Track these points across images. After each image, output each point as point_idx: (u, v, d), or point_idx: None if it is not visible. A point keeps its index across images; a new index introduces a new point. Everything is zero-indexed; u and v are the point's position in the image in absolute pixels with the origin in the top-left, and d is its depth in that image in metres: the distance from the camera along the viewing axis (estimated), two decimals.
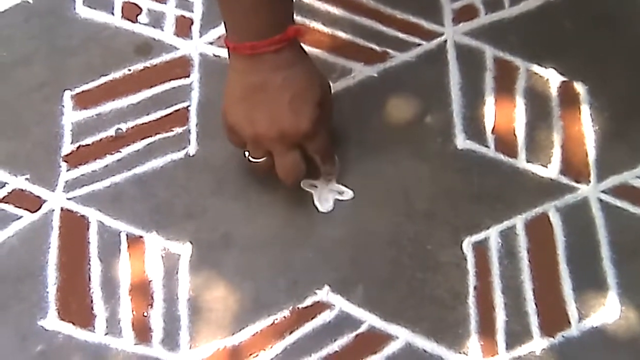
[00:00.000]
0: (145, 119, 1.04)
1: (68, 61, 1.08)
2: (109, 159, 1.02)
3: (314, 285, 0.94)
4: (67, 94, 1.06)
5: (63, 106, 1.05)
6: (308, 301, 0.94)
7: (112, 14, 1.11)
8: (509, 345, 0.91)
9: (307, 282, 0.94)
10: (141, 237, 0.97)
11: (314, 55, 1.06)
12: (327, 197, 0.98)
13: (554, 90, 1.04)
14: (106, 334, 0.92)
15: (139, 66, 1.08)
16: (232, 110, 0.91)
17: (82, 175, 1.01)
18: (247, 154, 0.94)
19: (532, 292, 0.93)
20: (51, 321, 0.93)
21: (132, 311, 0.93)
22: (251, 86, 0.89)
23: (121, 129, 1.03)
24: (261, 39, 0.87)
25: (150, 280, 0.95)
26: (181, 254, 0.96)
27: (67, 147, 1.02)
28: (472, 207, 0.98)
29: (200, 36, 1.10)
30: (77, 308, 0.94)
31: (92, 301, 0.94)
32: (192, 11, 1.12)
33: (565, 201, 0.97)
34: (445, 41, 1.08)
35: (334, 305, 0.93)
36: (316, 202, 0.98)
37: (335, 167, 0.99)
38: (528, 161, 1.00)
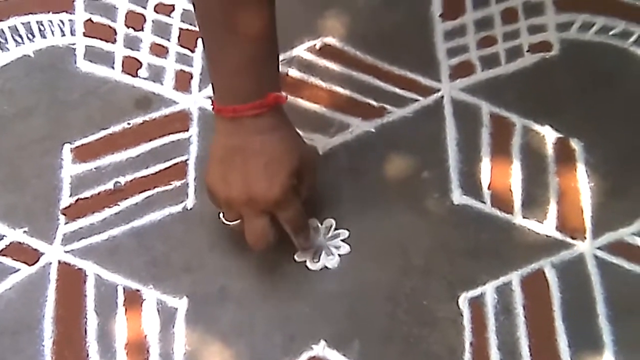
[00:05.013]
0: (144, 172, 1.05)
1: (68, 115, 1.09)
2: (107, 212, 1.02)
3: (310, 340, 0.94)
4: (67, 147, 1.06)
5: (62, 159, 1.06)
6: (304, 356, 0.93)
7: (113, 68, 1.12)
8: None
9: (303, 337, 0.94)
10: (138, 290, 0.97)
11: (312, 110, 1.08)
12: (324, 252, 0.99)
13: (549, 147, 1.04)
14: None
15: (139, 120, 1.08)
16: (211, 172, 0.92)
17: (80, 228, 1.01)
18: (221, 215, 0.95)
19: (528, 348, 0.93)
20: None
21: None
22: (231, 149, 0.90)
23: (120, 183, 1.04)
24: (242, 103, 0.88)
25: (146, 335, 0.95)
26: (178, 308, 0.96)
27: (66, 200, 1.03)
28: (468, 263, 0.98)
29: (200, 90, 1.11)
30: None
31: (88, 355, 0.94)
32: (192, 66, 1.13)
33: (561, 257, 0.98)
34: (442, 97, 1.09)
35: None
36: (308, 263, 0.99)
37: (310, 241, 0.99)
38: (524, 217, 1.00)
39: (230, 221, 0.94)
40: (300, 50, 1.13)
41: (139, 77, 1.12)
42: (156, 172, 1.05)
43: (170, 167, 1.05)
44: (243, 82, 0.89)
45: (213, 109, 0.91)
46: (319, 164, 1.01)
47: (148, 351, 0.94)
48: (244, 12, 0.85)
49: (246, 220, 0.92)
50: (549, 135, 1.05)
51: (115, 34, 1.15)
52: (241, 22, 0.85)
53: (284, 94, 0.91)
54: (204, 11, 0.88)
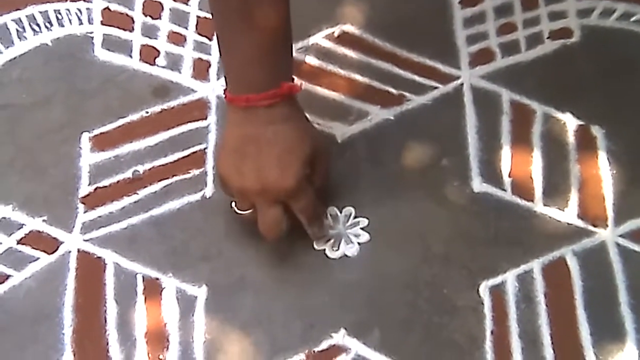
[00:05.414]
0: (163, 161, 1.04)
1: (86, 103, 1.09)
2: (126, 201, 1.02)
3: (330, 329, 0.94)
4: (85, 136, 1.06)
5: (81, 148, 1.05)
6: (324, 345, 0.93)
7: (130, 56, 1.12)
8: None
9: (322, 325, 0.94)
10: (157, 279, 0.97)
11: (331, 98, 1.07)
12: (343, 240, 0.99)
13: (570, 134, 1.04)
14: None
15: (157, 108, 1.08)
16: (223, 161, 0.92)
17: (99, 217, 1.01)
18: (234, 204, 0.95)
19: (549, 337, 0.92)
20: None
21: (148, 354, 0.93)
22: (244, 138, 0.90)
23: (138, 171, 1.04)
24: (256, 93, 0.88)
25: (166, 323, 0.95)
26: (197, 296, 0.96)
27: (85, 189, 1.03)
28: (488, 251, 0.97)
29: (218, 79, 1.10)
30: (92, 350, 0.93)
31: (107, 343, 0.94)
32: (210, 54, 1.12)
33: (582, 245, 0.97)
34: (462, 84, 1.08)
35: (350, 348, 0.93)
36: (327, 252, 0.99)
37: (324, 230, 0.98)
38: (545, 205, 1.00)
39: (242, 210, 0.94)
40: (319, 38, 1.12)
41: (157, 65, 1.12)
42: (175, 161, 1.04)
43: (188, 155, 1.05)
44: (257, 71, 0.88)
45: (225, 98, 0.91)
46: (332, 152, 1.01)
47: (168, 339, 0.94)
48: (259, 1, 0.84)
49: (259, 210, 0.92)
50: (570, 122, 1.04)
51: (133, 22, 1.15)
52: (256, 11, 0.84)
53: (298, 82, 0.90)
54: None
